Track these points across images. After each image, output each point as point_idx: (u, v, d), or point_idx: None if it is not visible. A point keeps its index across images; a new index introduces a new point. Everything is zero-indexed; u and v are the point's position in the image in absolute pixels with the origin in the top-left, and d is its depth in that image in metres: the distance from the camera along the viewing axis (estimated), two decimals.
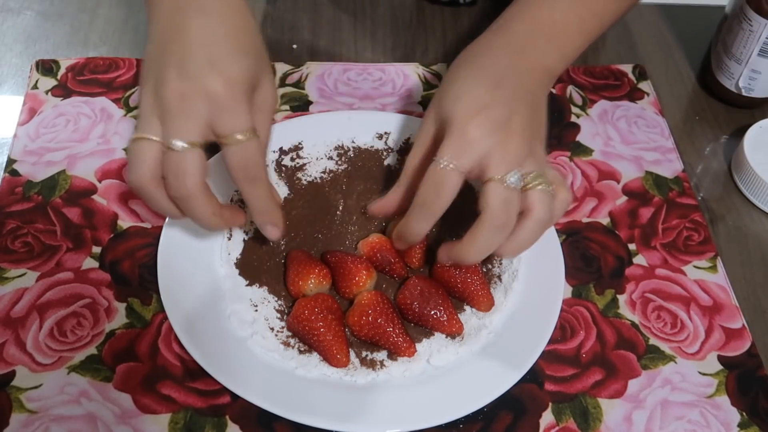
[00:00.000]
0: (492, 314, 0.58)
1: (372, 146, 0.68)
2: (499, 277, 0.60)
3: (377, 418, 0.51)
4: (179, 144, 0.47)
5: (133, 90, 0.72)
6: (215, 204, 0.50)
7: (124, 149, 0.67)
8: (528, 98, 0.52)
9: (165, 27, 0.50)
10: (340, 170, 0.66)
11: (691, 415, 0.55)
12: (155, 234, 0.61)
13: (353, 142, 0.68)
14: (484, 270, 0.61)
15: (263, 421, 0.52)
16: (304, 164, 0.67)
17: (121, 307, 0.57)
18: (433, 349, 0.56)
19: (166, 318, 0.55)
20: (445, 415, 0.52)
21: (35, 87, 0.72)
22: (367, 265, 0.58)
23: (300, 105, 0.73)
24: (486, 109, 0.49)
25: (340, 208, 0.64)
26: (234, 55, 0.49)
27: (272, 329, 0.56)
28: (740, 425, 0.55)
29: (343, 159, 0.67)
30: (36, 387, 0.53)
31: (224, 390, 0.53)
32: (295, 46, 0.79)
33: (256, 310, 0.57)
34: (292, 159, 0.67)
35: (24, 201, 0.63)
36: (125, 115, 0.70)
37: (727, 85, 0.76)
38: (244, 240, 0.61)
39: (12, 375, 0.53)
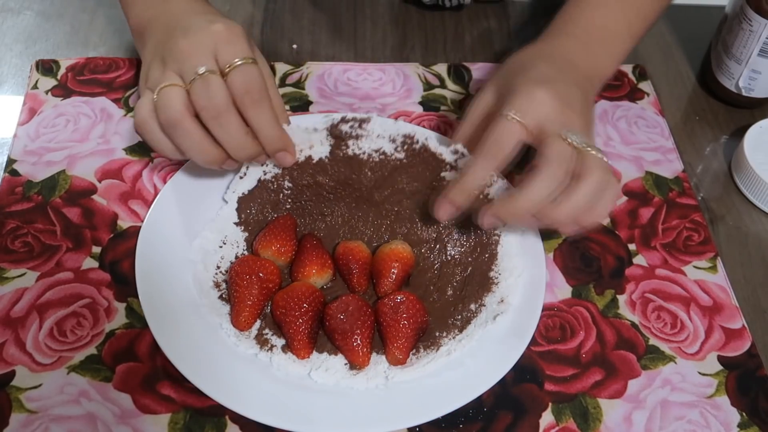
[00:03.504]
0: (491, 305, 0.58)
1: (440, 153, 0.61)
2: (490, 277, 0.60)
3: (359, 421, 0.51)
4: (202, 69, 0.51)
5: (133, 90, 0.72)
6: (242, 123, 0.53)
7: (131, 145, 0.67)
8: (585, 92, 0.57)
9: (157, 42, 0.55)
10: (392, 157, 0.62)
11: (691, 416, 0.55)
12: None
13: (426, 140, 0.62)
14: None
15: None
16: (360, 135, 0.61)
17: (120, 307, 0.57)
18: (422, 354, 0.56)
19: None
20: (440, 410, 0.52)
21: (35, 87, 0.72)
22: (325, 262, 0.58)
23: (300, 105, 0.73)
24: (551, 84, 0.54)
25: (370, 198, 0.62)
26: (224, 17, 0.55)
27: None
28: (740, 425, 0.55)
29: (404, 149, 0.62)
30: (36, 387, 0.53)
31: None
32: (295, 46, 0.79)
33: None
34: (351, 127, 0.61)
35: (24, 201, 0.63)
36: (125, 115, 0.70)
37: (727, 85, 0.76)
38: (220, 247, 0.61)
39: (12, 375, 0.53)
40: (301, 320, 0.54)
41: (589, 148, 0.51)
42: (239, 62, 0.52)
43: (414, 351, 0.56)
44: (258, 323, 0.56)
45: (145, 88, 0.54)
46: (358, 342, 0.54)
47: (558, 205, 0.51)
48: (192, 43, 0.52)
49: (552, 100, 0.53)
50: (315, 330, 0.55)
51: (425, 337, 0.57)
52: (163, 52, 0.53)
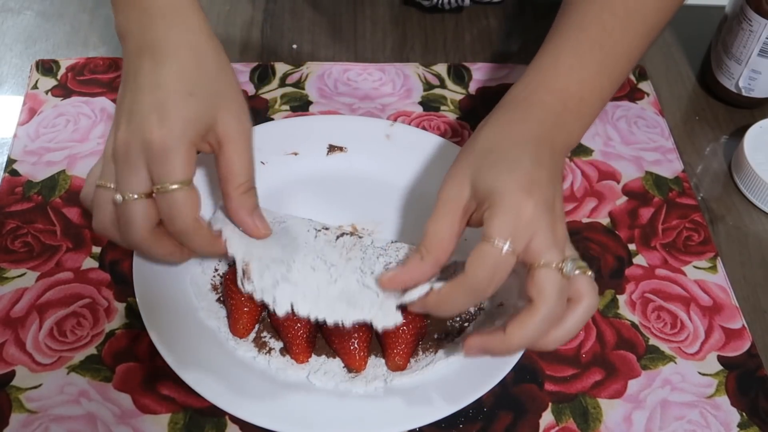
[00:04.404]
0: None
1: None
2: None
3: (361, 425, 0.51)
4: (119, 198, 0.49)
5: None
6: (170, 244, 0.51)
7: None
8: (559, 178, 0.52)
9: (126, 71, 0.52)
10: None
11: (691, 416, 0.55)
12: None
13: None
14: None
15: None
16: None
17: (120, 307, 0.58)
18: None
19: None
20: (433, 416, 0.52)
21: (35, 87, 0.72)
22: None
23: (300, 105, 0.73)
24: (537, 188, 0.48)
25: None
26: (178, 98, 0.49)
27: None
28: (740, 425, 0.55)
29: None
30: (36, 387, 0.53)
31: None
32: (295, 46, 0.79)
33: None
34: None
35: (24, 201, 0.63)
36: None
37: (727, 85, 0.76)
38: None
39: (12, 375, 0.53)
40: (299, 324, 0.54)
41: (578, 271, 0.47)
42: (170, 188, 0.48)
43: (413, 354, 0.56)
44: (256, 326, 0.56)
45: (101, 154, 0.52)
46: (355, 346, 0.54)
47: (548, 336, 0.47)
48: (128, 149, 0.48)
49: (541, 214, 0.47)
50: (313, 334, 0.55)
51: (424, 339, 0.57)
52: (114, 127, 0.50)
